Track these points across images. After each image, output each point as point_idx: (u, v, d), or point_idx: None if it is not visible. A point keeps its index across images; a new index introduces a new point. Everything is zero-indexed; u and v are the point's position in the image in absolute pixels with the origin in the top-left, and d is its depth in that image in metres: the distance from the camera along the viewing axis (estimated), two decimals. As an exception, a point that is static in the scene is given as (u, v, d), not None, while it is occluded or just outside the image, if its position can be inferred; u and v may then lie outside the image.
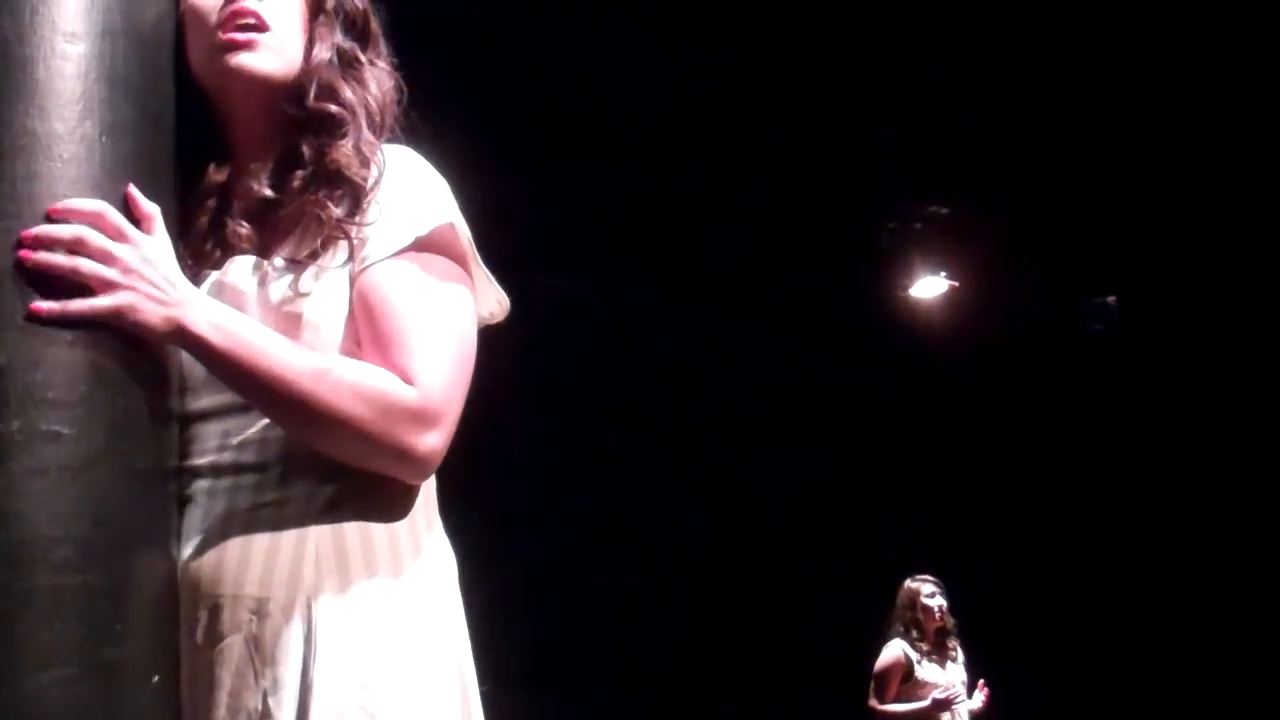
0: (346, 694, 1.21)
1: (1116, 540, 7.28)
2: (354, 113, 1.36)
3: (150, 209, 1.21)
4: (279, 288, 1.29)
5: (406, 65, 1.48)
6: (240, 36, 1.32)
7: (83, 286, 1.14)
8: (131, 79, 1.24)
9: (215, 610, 1.24)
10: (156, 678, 1.20)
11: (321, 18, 1.39)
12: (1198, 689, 6.63)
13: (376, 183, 1.32)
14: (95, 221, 1.15)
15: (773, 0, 4.68)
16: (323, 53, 1.37)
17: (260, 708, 1.21)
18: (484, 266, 1.41)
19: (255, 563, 1.24)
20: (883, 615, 5.50)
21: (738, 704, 7.47)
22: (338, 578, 1.25)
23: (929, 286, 7.05)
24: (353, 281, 1.29)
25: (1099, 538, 7.35)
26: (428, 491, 1.35)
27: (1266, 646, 6.48)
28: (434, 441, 1.27)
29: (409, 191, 1.34)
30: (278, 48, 1.35)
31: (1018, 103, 5.32)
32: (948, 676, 5.29)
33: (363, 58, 1.42)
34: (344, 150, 1.33)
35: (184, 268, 1.24)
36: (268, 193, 1.33)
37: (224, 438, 1.28)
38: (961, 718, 5.28)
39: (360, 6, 1.44)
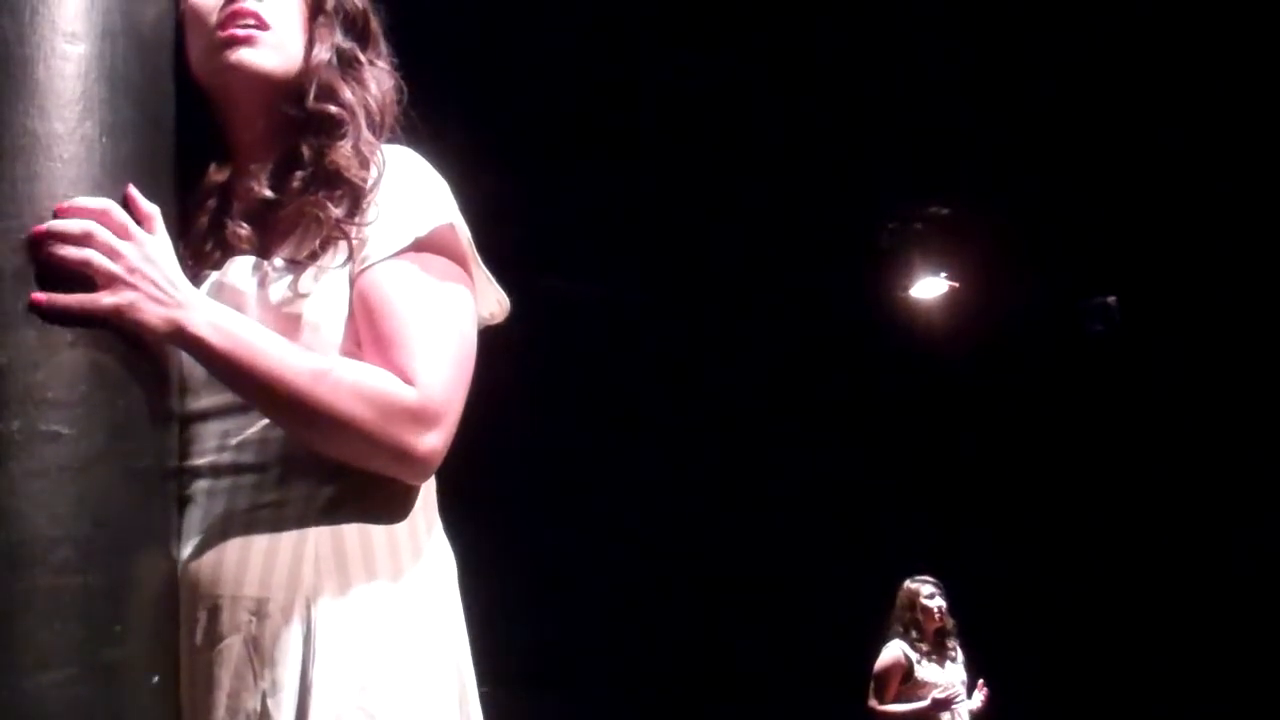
0: (345, 695, 1.21)
1: (1116, 540, 7.28)
2: (353, 113, 1.36)
3: (150, 209, 1.21)
4: (279, 288, 1.28)
5: (406, 65, 1.48)
6: (240, 32, 1.33)
7: (88, 281, 1.14)
8: (132, 79, 1.24)
9: (214, 611, 1.24)
10: (156, 678, 1.20)
11: (321, 18, 1.39)
12: (1198, 689, 6.63)
13: (376, 183, 1.32)
14: (101, 218, 1.16)
15: (773, 0, 4.68)
16: (322, 53, 1.37)
17: (259, 709, 1.21)
18: (484, 267, 1.41)
19: (254, 563, 1.24)
20: (883, 615, 5.50)
21: (738, 704, 7.47)
22: (337, 579, 1.24)
23: (929, 287, 7.04)
24: (352, 282, 1.29)
25: (1099, 538, 7.35)
26: (427, 492, 1.35)
27: (1266, 646, 6.48)
28: (434, 442, 1.27)
29: (408, 192, 1.34)
30: (278, 45, 1.35)
31: (1018, 103, 5.32)
32: (947, 676, 5.30)
33: (362, 58, 1.42)
34: (343, 151, 1.33)
35: (184, 268, 1.24)
36: (267, 193, 1.33)
37: (223, 438, 1.28)
38: (961, 718, 5.29)
39: (360, 6, 1.44)
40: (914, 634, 5.35)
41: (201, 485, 1.29)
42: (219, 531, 1.26)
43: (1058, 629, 7.27)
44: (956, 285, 6.99)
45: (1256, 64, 5.02)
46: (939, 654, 5.35)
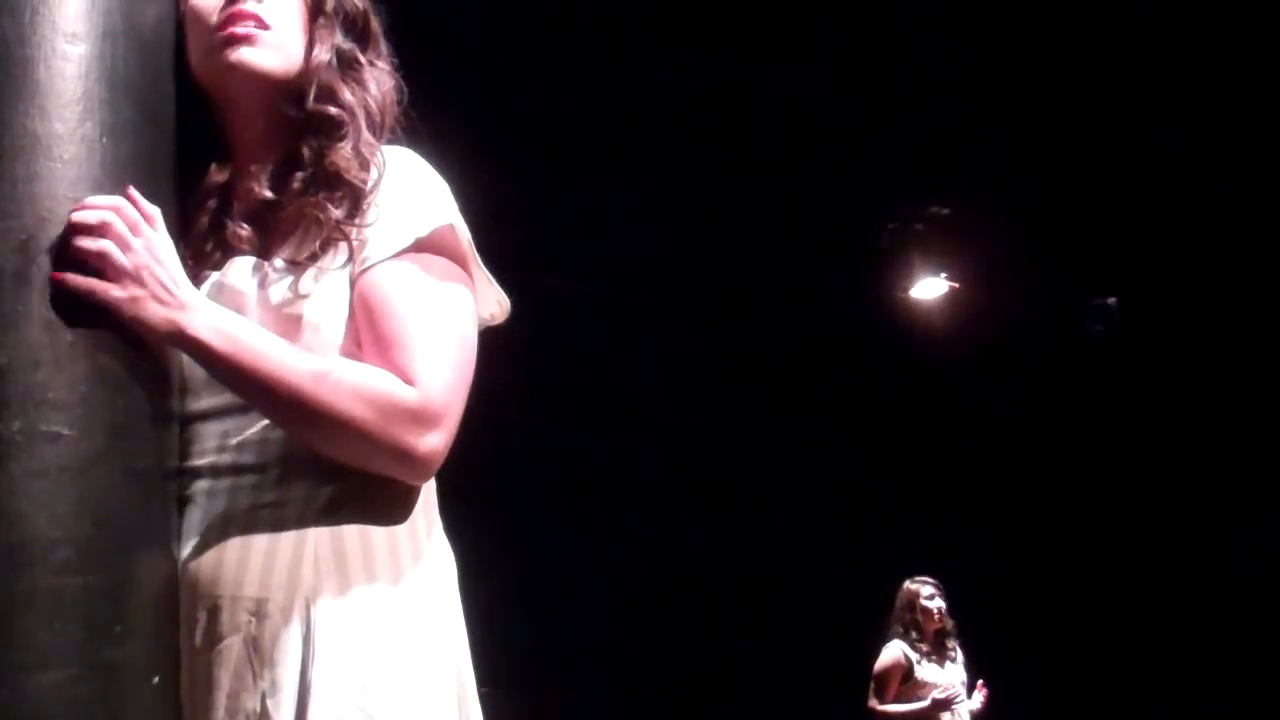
0: (345, 695, 1.21)
1: (1116, 540, 7.28)
2: (353, 114, 1.36)
3: (151, 210, 1.21)
4: (279, 289, 1.29)
5: (406, 65, 1.48)
6: (240, 30, 1.33)
7: (98, 272, 1.15)
8: (132, 80, 1.24)
9: (214, 611, 1.24)
10: (156, 678, 1.20)
11: (321, 19, 1.39)
12: (1198, 689, 6.63)
13: (376, 185, 1.32)
14: (116, 212, 1.17)
15: (773, 0, 4.68)
16: (322, 54, 1.37)
17: (259, 709, 1.21)
18: (484, 267, 1.41)
19: (254, 564, 1.24)
20: (882, 616, 5.50)
21: (738, 704, 7.48)
22: (336, 579, 1.24)
23: (929, 287, 7.04)
24: (353, 283, 1.29)
25: (1099, 538, 7.35)
26: (428, 493, 1.35)
27: (1266, 646, 6.48)
28: (435, 442, 1.27)
29: (408, 193, 1.34)
30: (278, 45, 1.35)
31: (1018, 103, 5.32)
32: (947, 677, 5.30)
33: (362, 59, 1.42)
34: (343, 153, 1.33)
35: (184, 268, 1.24)
36: (267, 194, 1.33)
37: (223, 438, 1.28)
38: (961, 718, 5.29)
39: (360, 7, 1.44)
40: (914, 635, 5.35)
41: (201, 486, 1.29)
42: (219, 532, 1.26)
43: (1058, 629, 7.27)
44: (956, 286, 6.99)
45: (1256, 64, 5.02)
46: (939, 654, 5.35)
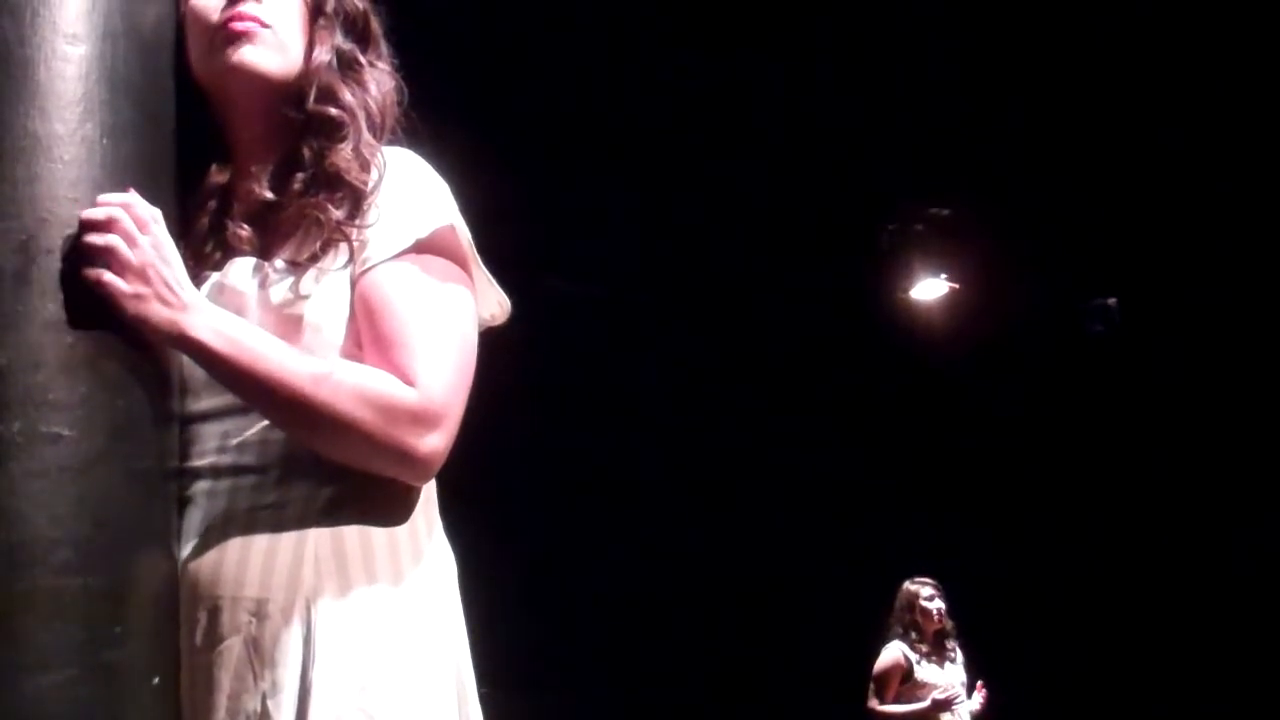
0: (345, 696, 1.21)
1: (1117, 540, 7.28)
2: (354, 115, 1.36)
3: (152, 211, 1.21)
4: (280, 290, 1.29)
5: (406, 65, 1.48)
6: (240, 26, 1.33)
7: (105, 266, 1.16)
8: (132, 81, 1.24)
9: (214, 612, 1.24)
10: (156, 679, 1.20)
11: (321, 20, 1.39)
12: (1198, 689, 6.63)
13: (376, 185, 1.32)
14: (125, 209, 1.18)
15: (773, 0, 4.67)
16: (323, 55, 1.38)
17: (259, 710, 1.21)
18: (484, 268, 1.41)
19: (254, 564, 1.24)
20: (882, 616, 5.50)
21: (738, 704, 7.47)
22: (337, 580, 1.25)
23: (929, 288, 7.04)
24: (353, 284, 1.30)
25: (1099, 538, 7.35)
26: (428, 494, 1.35)
27: (1266, 646, 6.48)
28: (435, 443, 1.27)
29: (409, 194, 1.34)
30: (278, 45, 1.35)
31: (1018, 103, 5.32)
32: (947, 677, 5.30)
33: (363, 59, 1.42)
34: (343, 154, 1.33)
35: (185, 269, 1.24)
36: (268, 195, 1.33)
37: (224, 439, 1.29)
38: (961, 718, 5.29)
39: (360, 8, 1.44)
40: (913, 635, 5.35)
41: (202, 486, 1.29)
42: (219, 533, 1.26)
43: (1058, 629, 7.27)
44: (957, 286, 6.99)
45: (1256, 64, 5.02)
46: (938, 655, 5.35)
